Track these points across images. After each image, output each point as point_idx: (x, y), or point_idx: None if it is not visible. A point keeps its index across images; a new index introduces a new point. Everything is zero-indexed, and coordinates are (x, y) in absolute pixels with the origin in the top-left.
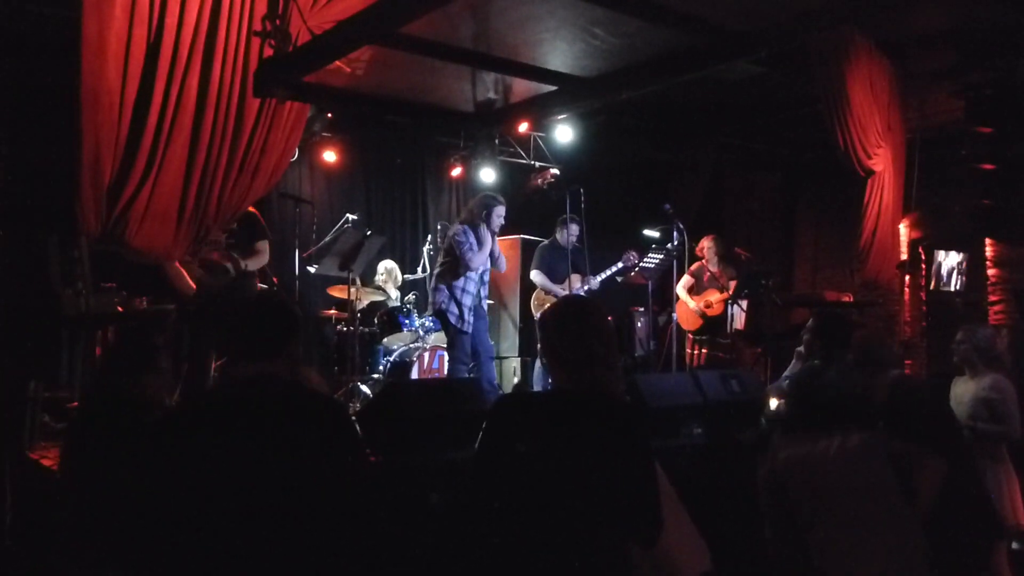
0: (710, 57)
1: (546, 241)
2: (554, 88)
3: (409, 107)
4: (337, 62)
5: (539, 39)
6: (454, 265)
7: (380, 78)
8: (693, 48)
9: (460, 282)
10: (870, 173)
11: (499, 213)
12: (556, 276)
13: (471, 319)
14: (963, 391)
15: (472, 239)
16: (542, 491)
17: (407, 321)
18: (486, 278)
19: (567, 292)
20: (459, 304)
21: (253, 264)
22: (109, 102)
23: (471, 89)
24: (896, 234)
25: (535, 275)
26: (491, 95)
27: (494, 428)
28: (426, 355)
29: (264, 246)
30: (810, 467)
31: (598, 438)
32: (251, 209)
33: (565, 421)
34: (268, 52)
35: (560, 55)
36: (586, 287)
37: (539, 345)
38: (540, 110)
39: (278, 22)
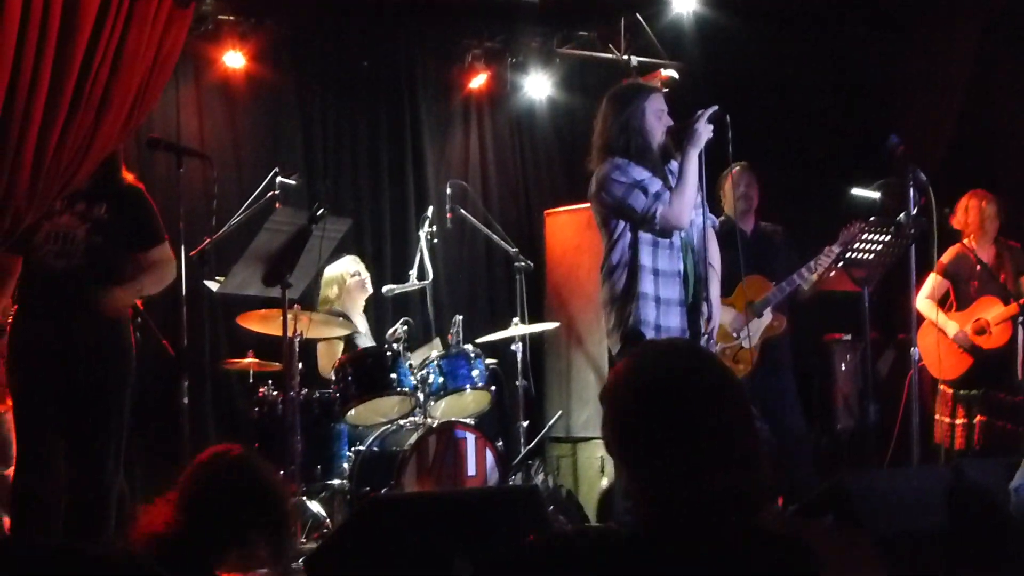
0: None
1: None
2: None
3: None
4: None
5: None
6: (627, 252)
7: None
8: None
9: (647, 276)
10: None
11: (656, 108)
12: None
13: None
14: None
15: (636, 172)
16: None
17: (393, 376)
18: (705, 261)
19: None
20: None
21: (146, 287)
22: None
23: None
24: None
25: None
26: None
27: None
28: (432, 440)
29: (161, 254)
30: None
31: None
32: (131, 180)
33: None
34: None
35: None
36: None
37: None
38: None
39: None
